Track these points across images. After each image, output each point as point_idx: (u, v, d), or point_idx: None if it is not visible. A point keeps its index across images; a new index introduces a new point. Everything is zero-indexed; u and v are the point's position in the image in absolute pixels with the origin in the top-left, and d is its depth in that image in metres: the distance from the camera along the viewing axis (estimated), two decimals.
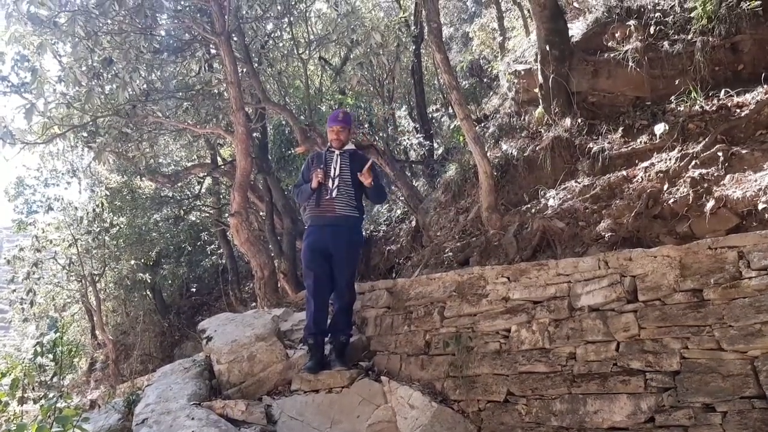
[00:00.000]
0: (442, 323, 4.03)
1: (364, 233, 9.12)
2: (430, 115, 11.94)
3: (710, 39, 5.40)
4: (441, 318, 4.05)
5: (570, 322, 3.27)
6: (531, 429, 3.23)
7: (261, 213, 10.58)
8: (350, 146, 4.61)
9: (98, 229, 12.00)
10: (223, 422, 3.60)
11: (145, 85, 7.23)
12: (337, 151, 4.49)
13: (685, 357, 2.78)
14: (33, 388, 6.14)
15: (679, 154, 4.69)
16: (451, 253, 5.94)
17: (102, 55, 6.52)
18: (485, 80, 10.99)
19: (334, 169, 4.39)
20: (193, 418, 3.62)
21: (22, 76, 6.61)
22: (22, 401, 5.35)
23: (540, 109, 6.55)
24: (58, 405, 3.46)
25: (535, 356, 3.37)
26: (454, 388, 3.71)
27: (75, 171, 13.80)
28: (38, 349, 5.94)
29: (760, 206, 3.82)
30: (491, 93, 10.27)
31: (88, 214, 12.32)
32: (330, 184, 4.35)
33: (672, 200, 4.35)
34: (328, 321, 4.39)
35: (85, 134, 7.54)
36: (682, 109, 5.12)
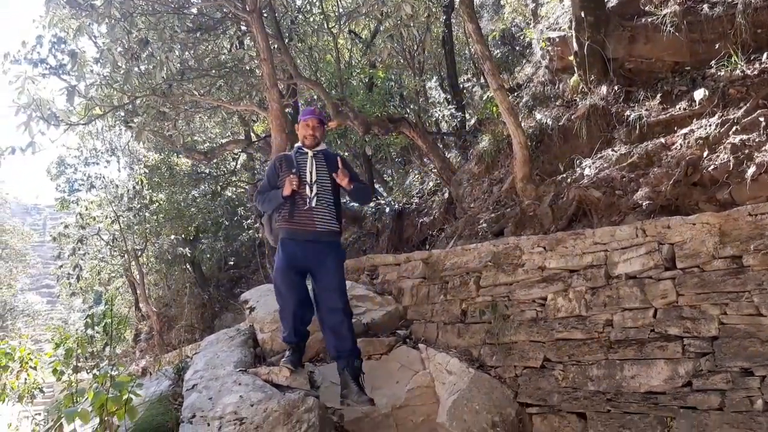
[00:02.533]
0: (478, 292, 4.10)
1: (396, 207, 9.22)
2: (462, 86, 11.83)
3: (752, 0, 5.21)
4: (477, 287, 4.12)
5: (607, 289, 3.30)
6: (568, 394, 3.30)
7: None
8: (322, 146, 3.94)
9: (138, 205, 12.39)
10: (269, 387, 3.77)
11: (179, 65, 7.35)
12: (310, 152, 3.80)
13: (723, 323, 2.80)
14: (85, 358, 6.46)
15: (719, 120, 4.59)
16: (485, 224, 5.98)
17: (138, 36, 6.66)
18: (518, 48, 10.79)
19: (310, 173, 3.72)
20: (240, 384, 3.80)
21: (60, 58, 6.80)
22: (76, 370, 5.66)
23: (575, 77, 6.46)
24: (112, 373, 3.66)
25: (572, 323, 3.41)
26: (490, 355, 3.79)
27: (114, 150, 14.21)
28: (89, 321, 6.24)
29: None
30: (524, 61, 10.09)
31: (128, 191, 12.71)
32: (308, 192, 3.68)
33: (712, 167, 4.28)
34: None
35: (122, 114, 7.75)
36: (722, 74, 4.99)
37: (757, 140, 4.22)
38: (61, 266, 14.16)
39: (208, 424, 3.47)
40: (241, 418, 3.46)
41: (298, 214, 3.69)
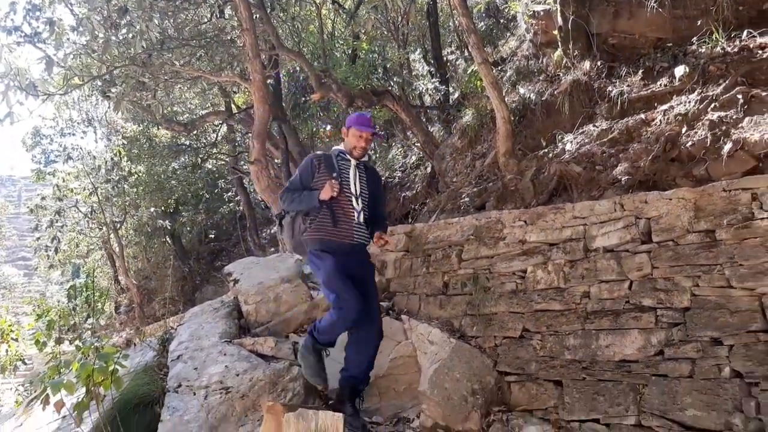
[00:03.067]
0: (459, 265, 4.18)
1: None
2: (446, 58, 11.76)
3: None
4: (459, 260, 4.20)
5: (585, 262, 3.39)
6: (545, 362, 3.41)
7: (277, 160, 10.69)
8: (365, 157, 3.69)
9: (117, 177, 12.22)
10: (254, 357, 3.83)
11: (159, 34, 7.21)
12: (353, 162, 3.53)
13: (695, 294, 2.90)
14: (67, 330, 6.48)
15: (698, 97, 4.66)
16: (467, 199, 6.05)
17: (117, 4, 6.50)
18: (502, 21, 10.73)
19: (355, 185, 3.48)
20: (225, 354, 3.86)
21: (35, 26, 6.62)
22: (59, 341, 5.68)
23: (559, 51, 6.48)
24: (96, 344, 3.68)
25: (550, 295, 3.51)
26: (471, 326, 3.89)
27: (90, 120, 13.94)
28: (71, 293, 6.22)
29: None
30: (508, 34, 10.05)
31: (106, 162, 12.52)
32: (355, 205, 3.44)
33: (690, 143, 4.36)
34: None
35: (100, 84, 7.60)
36: (703, 50, 5.04)
37: (734, 117, 4.31)
38: (39, 238, 13.99)
39: (194, 393, 3.53)
40: (226, 387, 3.53)
41: (341, 225, 3.41)
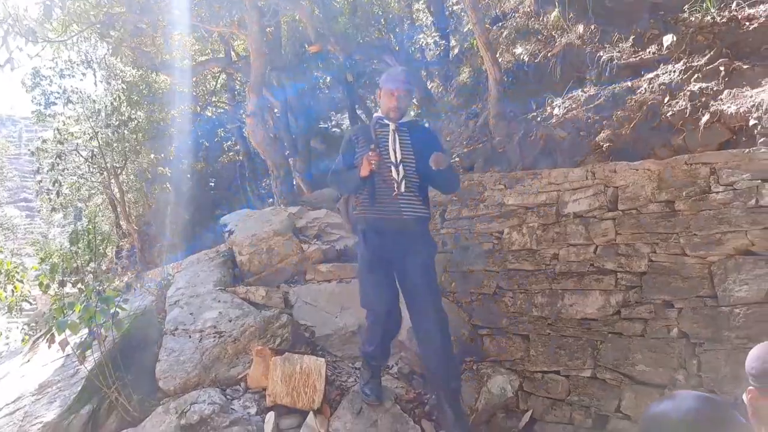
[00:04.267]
0: (442, 225, 4.40)
1: None
2: (450, 10, 11.62)
3: None
4: (442, 220, 4.41)
5: (556, 227, 3.61)
6: (515, 317, 3.68)
7: (275, 110, 10.74)
8: (409, 116, 3.30)
9: (117, 122, 12.29)
10: (246, 305, 4.10)
11: None
12: (392, 125, 3.16)
13: (652, 260, 3.13)
14: (69, 273, 6.72)
15: (683, 67, 4.75)
16: (458, 158, 6.20)
17: None
18: None
19: (394, 152, 3.10)
20: (219, 301, 4.13)
21: None
22: (62, 284, 5.94)
23: (556, 12, 6.49)
24: (98, 288, 3.93)
25: (523, 256, 3.74)
26: (450, 282, 4.14)
27: (89, 62, 13.87)
28: (73, 237, 6.45)
29: (751, 122, 3.98)
30: None
31: (106, 107, 12.56)
32: (395, 175, 3.07)
33: (670, 113, 4.49)
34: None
35: (98, 26, 7.61)
36: (693, 19, 5.10)
37: (714, 89, 4.42)
38: (40, 181, 14.17)
39: (190, 336, 3.81)
40: (220, 332, 3.80)
41: (381, 199, 3.10)
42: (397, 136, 3.14)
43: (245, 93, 12.57)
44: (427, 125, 3.47)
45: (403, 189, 3.07)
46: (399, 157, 3.10)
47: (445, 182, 3.25)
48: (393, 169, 3.08)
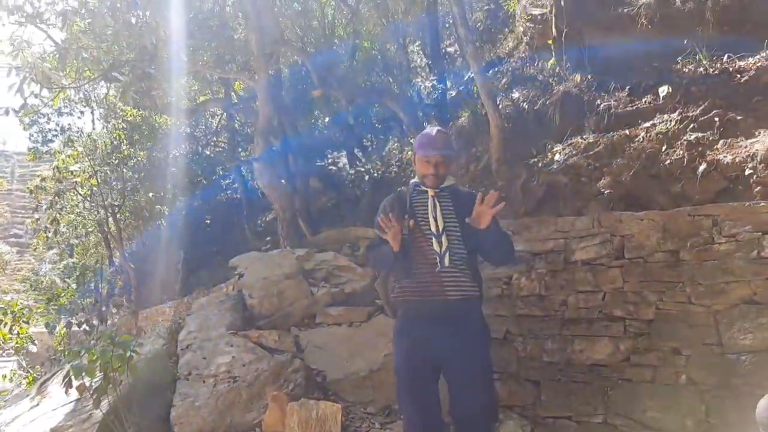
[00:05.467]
0: None
1: (376, 174, 9.49)
2: (444, 50, 11.94)
3: None
4: None
5: (564, 273, 3.72)
6: (526, 362, 3.76)
7: (275, 148, 10.89)
8: (450, 181, 2.86)
9: (116, 161, 12.40)
10: (259, 349, 4.15)
11: (165, 31, 7.43)
12: (431, 192, 2.77)
13: (659, 308, 3.25)
14: (75, 312, 6.74)
15: (679, 117, 4.96)
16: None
17: None
18: (500, 16, 10.91)
19: (435, 220, 2.68)
20: (232, 345, 4.18)
21: (37, 6, 6.80)
22: (69, 326, 5.98)
23: (552, 60, 6.76)
24: (112, 333, 3.98)
25: (532, 302, 3.84)
26: None
27: (88, 100, 14.07)
28: (81, 279, 6.49)
29: (747, 171, 4.16)
30: (507, 30, 10.22)
31: (106, 145, 12.70)
32: (436, 247, 2.63)
33: (668, 161, 4.68)
34: None
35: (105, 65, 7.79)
36: (686, 70, 5.34)
37: (710, 139, 4.62)
38: (38, 219, 14.19)
39: (204, 381, 3.85)
40: (234, 377, 3.84)
41: (421, 278, 2.66)
42: (437, 203, 2.72)
43: (245, 132, 12.83)
44: (473, 191, 2.98)
45: (446, 263, 2.62)
46: (441, 226, 2.67)
47: (496, 249, 2.75)
48: (434, 240, 2.64)
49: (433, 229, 2.68)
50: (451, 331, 2.58)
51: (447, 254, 2.63)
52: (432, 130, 2.82)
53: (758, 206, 3.06)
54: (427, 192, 2.78)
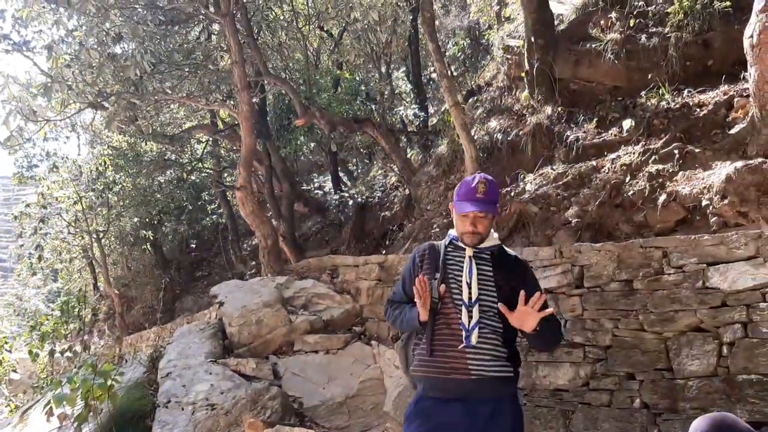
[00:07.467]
0: None
1: (360, 200, 9.67)
2: (427, 77, 12.23)
3: (684, 35, 5.73)
4: None
5: None
6: None
7: (260, 173, 11.06)
8: (493, 240, 2.28)
9: (101, 186, 12.49)
10: (237, 376, 4.27)
11: (150, 64, 7.63)
12: (468, 251, 2.24)
13: (615, 335, 3.43)
14: (60, 341, 6.79)
15: (642, 149, 5.22)
16: (438, 229, 6.55)
17: (113, 32, 6.90)
18: (482, 43, 11.23)
19: (468, 286, 2.19)
20: (210, 373, 4.29)
21: (23, 34, 6.99)
22: (52, 353, 6.03)
23: (526, 92, 7.04)
24: (93, 362, 4.09)
25: None
26: None
27: (74, 126, 14.18)
28: (65, 307, 6.57)
29: (704, 202, 4.40)
30: (488, 57, 10.51)
31: (91, 171, 12.79)
32: (464, 320, 2.14)
33: (631, 192, 4.91)
34: None
35: (92, 99, 7.97)
36: (649, 104, 5.61)
37: (670, 170, 4.87)
38: (22, 245, 14.17)
39: (182, 409, 3.95)
40: (212, 404, 3.95)
41: (443, 351, 2.17)
42: (473, 265, 2.23)
43: (230, 158, 12.99)
44: (519, 256, 2.43)
45: (473, 341, 2.12)
46: (475, 295, 2.18)
47: (540, 339, 2.18)
48: (464, 311, 2.15)
49: (464, 297, 2.18)
50: (475, 414, 2.12)
51: (476, 330, 2.13)
52: (473, 178, 2.26)
53: (702, 239, 3.26)
54: (464, 250, 2.27)
